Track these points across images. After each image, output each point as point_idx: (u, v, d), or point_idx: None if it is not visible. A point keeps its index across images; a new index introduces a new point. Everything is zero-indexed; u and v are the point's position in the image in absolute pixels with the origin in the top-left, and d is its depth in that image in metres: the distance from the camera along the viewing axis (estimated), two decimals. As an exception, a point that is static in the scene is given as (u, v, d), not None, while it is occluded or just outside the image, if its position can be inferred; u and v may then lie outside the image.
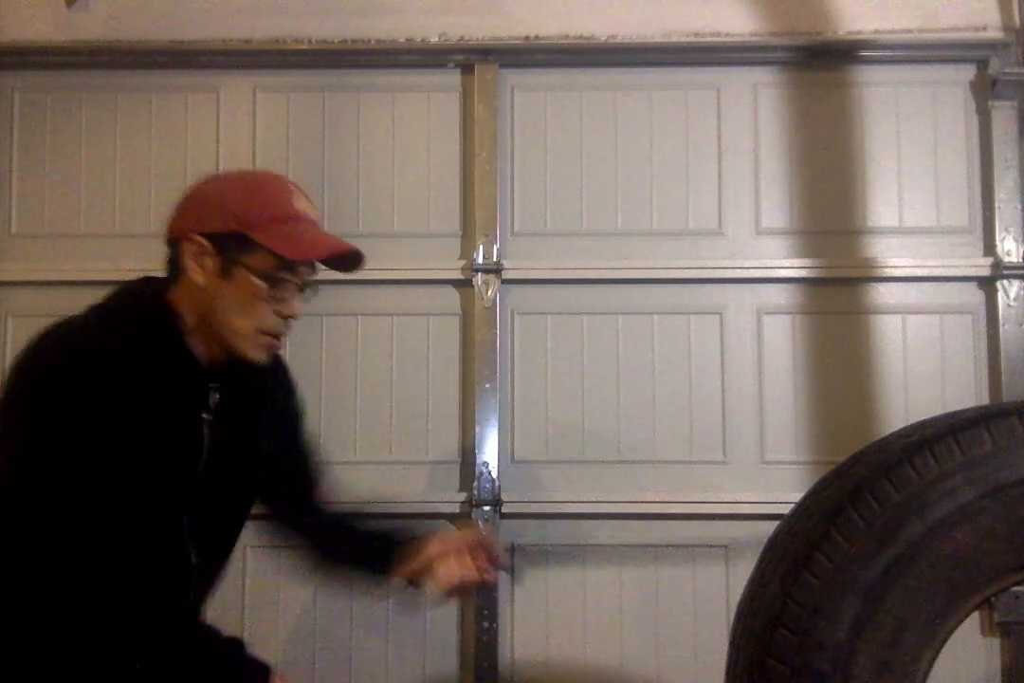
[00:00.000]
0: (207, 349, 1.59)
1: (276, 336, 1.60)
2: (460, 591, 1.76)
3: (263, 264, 1.55)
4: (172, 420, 1.55)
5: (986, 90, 3.14)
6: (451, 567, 1.72)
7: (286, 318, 1.59)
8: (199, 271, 1.55)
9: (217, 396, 1.62)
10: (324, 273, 3.33)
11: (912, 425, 1.59)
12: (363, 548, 1.80)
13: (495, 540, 1.81)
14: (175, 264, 1.59)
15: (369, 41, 3.21)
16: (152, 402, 1.51)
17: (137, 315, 1.56)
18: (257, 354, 1.59)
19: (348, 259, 1.64)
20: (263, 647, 3.08)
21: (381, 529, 1.83)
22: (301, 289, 1.61)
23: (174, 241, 1.59)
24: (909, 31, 3.16)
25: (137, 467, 1.49)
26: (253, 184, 1.62)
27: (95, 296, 1.62)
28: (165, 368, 1.54)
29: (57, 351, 1.48)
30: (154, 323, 1.56)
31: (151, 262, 1.62)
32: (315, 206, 1.66)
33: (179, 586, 1.61)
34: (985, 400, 3.07)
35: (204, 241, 1.54)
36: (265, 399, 1.74)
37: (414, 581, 1.75)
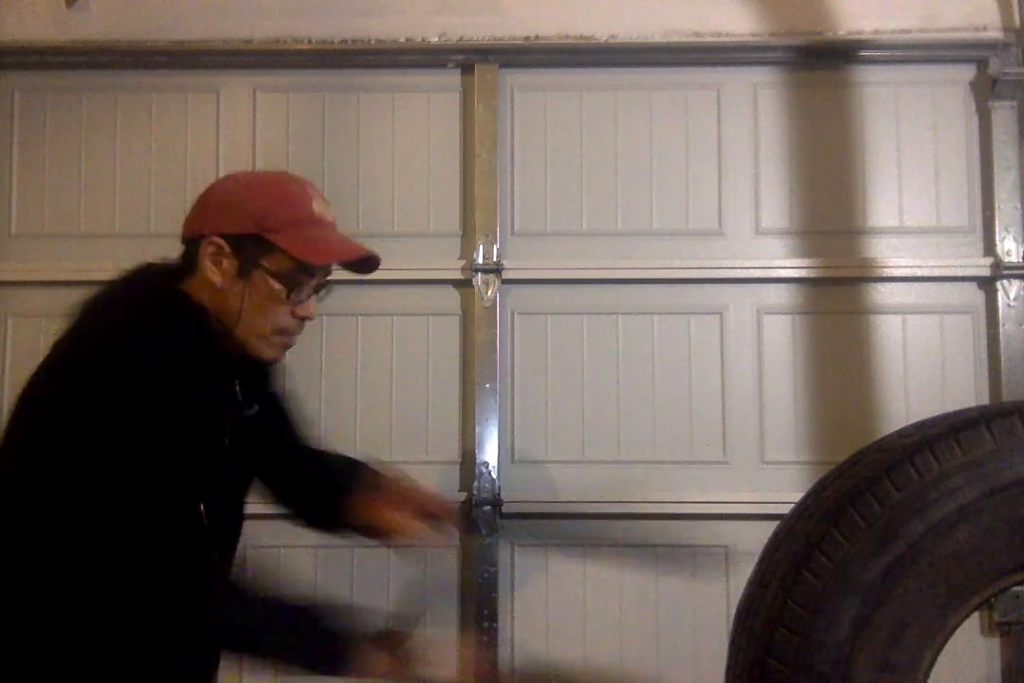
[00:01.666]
0: (227, 345, 1.60)
1: (291, 336, 1.61)
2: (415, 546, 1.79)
3: (281, 266, 1.55)
4: (211, 419, 1.54)
5: (986, 90, 3.14)
6: (409, 527, 1.75)
7: (302, 319, 1.60)
8: (216, 272, 1.55)
9: (239, 391, 1.62)
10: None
11: (912, 425, 1.59)
12: (319, 481, 1.82)
13: (447, 501, 1.83)
14: (191, 261, 1.59)
15: (369, 41, 3.21)
16: (198, 402, 1.50)
17: (174, 313, 1.54)
18: (272, 354, 1.61)
19: (365, 262, 1.65)
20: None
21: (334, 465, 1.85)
22: (316, 291, 1.61)
23: (192, 240, 1.59)
24: (909, 31, 3.16)
25: (183, 466, 1.47)
26: (273, 186, 1.62)
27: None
28: (207, 367, 1.53)
29: (110, 359, 1.44)
30: (191, 321, 1.54)
31: (151, 262, 1.64)
32: (331, 208, 1.66)
33: (204, 584, 1.59)
34: (985, 400, 3.07)
35: (223, 242, 1.55)
36: (269, 391, 1.76)
37: (368, 531, 1.78)
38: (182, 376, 1.47)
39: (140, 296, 1.56)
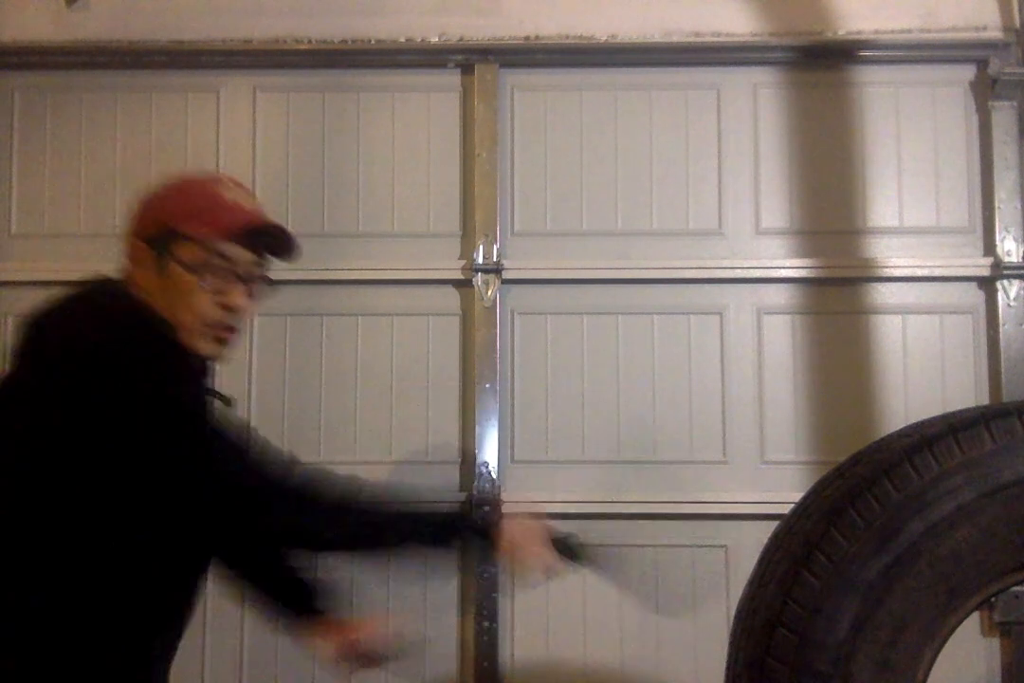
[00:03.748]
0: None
1: (226, 328, 1.58)
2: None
3: (190, 254, 1.55)
4: (193, 417, 1.52)
5: (986, 90, 3.14)
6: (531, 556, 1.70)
7: (230, 310, 1.57)
8: (141, 274, 1.57)
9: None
10: (325, 273, 3.32)
11: (912, 425, 1.59)
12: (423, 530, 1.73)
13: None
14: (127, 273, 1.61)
15: (369, 41, 3.21)
16: (182, 400, 1.49)
17: (133, 313, 1.54)
18: (208, 348, 1.57)
19: (279, 242, 1.63)
20: (262, 646, 3.09)
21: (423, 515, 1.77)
22: (243, 280, 1.59)
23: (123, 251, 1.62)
24: (909, 31, 3.16)
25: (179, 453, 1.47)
26: (182, 183, 1.67)
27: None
28: (187, 363, 1.54)
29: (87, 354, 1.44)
30: (160, 326, 1.54)
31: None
32: (253, 199, 1.65)
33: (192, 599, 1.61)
34: (985, 400, 3.07)
35: (140, 243, 1.58)
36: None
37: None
38: (160, 366, 1.47)
39: (99, 301, 1.56)
